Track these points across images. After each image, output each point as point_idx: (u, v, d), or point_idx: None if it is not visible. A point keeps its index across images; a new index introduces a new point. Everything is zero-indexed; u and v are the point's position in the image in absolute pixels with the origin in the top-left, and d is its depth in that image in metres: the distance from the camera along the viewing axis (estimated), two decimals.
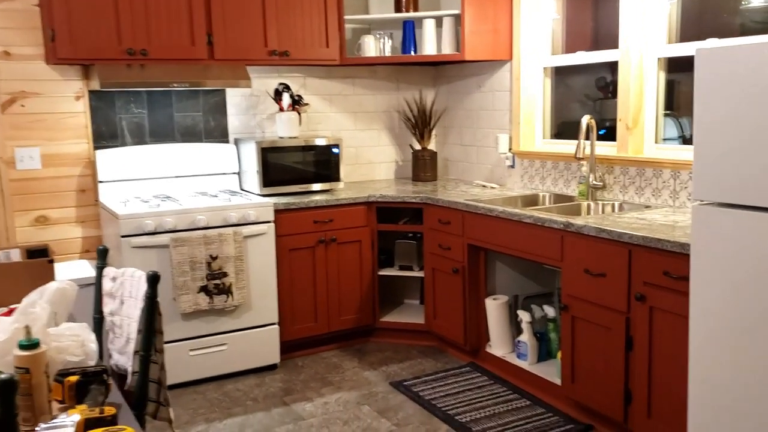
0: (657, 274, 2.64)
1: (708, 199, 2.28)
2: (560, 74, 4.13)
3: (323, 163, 4.05)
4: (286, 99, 4.07)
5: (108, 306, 2.27)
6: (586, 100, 4.09)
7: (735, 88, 2.14)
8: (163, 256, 3.46)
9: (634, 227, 2.80)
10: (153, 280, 1.77)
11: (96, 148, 3.84)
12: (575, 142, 3.50)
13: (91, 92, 3.82)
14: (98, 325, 2.31)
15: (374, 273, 4.06)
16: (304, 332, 3.90)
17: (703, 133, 2.25)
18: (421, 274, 4.06)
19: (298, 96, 4.15)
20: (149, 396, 1.95)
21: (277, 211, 3.75)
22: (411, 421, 3.18)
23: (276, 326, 3.77)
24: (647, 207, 3.32)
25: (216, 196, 3.80)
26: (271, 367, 3.82)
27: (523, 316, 3.50)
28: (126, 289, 2.16)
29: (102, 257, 2.28)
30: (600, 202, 3.54)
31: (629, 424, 2.84)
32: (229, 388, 3.59)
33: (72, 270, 3.51)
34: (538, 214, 3.17)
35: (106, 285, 2.28)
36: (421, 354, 3.99)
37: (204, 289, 3.51)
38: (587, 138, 3.53)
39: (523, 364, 3.50)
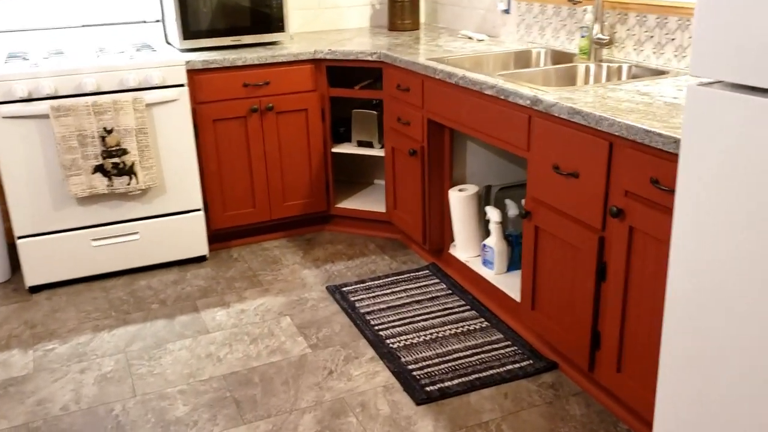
0: (642, 182, 1.80)
1: (711, 76, 1.39)
2: None
3: (263, 7, 3.19)
4: None
5: None
6: None
7: None
8: (45, 128, 2.80)
9: (623, 107, 1.92)
10: None
11: None
12: None
13: None
14: None
15: (326, 149, 3.30)
16: (238, 220, 3.25)
17: None
18: (381, 152, 3.27)
19: None
20: None
21: (193, 72, 2.98)
22: (332, 342, 2.55)
23: (201, 213, 3.13)
24: (662, 73, 2.37)
25: (123, 53, 3.04)
26: (200, 259, 3.23)
27: (492, 214, 2.71)
28: None
29: None
30: (605, 65, 2.59)
31: (596, 374, 2.11)
32: (141, 284, 3.03)
33: None
34: (503, 84, 2.29)
35: None
36: (380, 249, 3.29)
37: (100, 169, 2.87)
38: None
39: (487, 273, 2.76)
